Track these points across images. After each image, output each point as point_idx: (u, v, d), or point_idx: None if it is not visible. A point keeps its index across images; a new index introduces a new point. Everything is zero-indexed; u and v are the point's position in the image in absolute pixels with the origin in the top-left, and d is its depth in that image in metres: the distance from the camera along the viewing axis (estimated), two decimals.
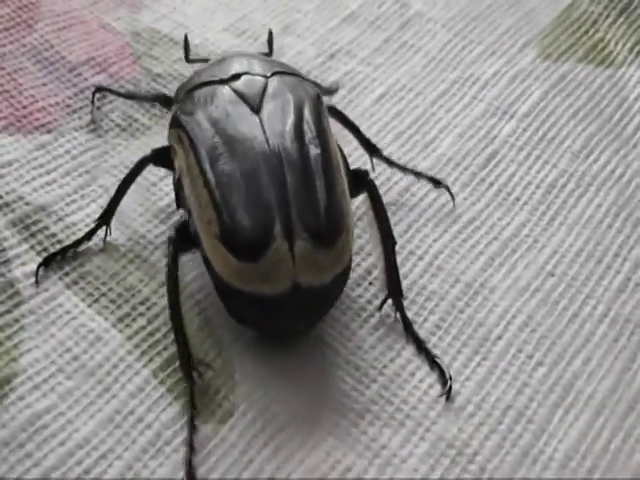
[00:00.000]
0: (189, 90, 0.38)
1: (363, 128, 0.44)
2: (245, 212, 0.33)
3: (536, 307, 0.39)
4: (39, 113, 0.45)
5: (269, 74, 0.38)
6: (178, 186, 0.37)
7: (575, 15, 0.54)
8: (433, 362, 0.37)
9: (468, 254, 0.41)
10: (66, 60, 0.48)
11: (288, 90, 0.37)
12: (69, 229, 0.41)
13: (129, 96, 0.45)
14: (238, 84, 0.38)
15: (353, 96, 0.47)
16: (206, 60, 0.43)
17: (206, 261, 0.35)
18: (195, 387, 0.35)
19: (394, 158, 0.45)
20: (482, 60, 0.50)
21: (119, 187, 0.39)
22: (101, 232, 0.40)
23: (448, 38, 0.51)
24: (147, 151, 0.40)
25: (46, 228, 0.41)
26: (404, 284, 0.39)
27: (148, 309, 0.38)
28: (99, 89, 0.46)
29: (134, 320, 0.38)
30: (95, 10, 0.52)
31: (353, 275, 0.39)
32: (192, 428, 0.34)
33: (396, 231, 0.40)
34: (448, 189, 0.43)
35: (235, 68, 0.39)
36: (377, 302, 0.39)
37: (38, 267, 0.39)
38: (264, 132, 0.36)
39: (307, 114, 0.37)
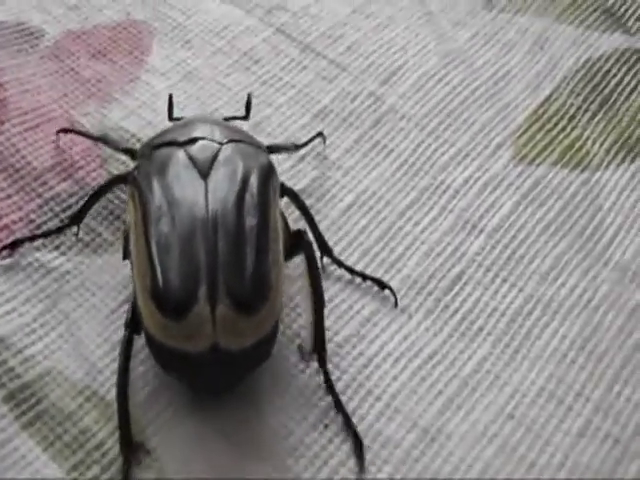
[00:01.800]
0: (150, 149, 0.40)
1: (330, 243, 0.45)
2: (175, 273, 0.36)
3: (493, 455, 0.39)
4: (1, 233, 0.44)
5: (224, 141, 0.40)
6: (126, 240, 0.39)
7: (553, 108, 0.53)
8: (348, 423, 0.39)
9: (427, 394, 0.40)
10: (32, 166, 0.47)
11: (239, 158, 0.39)
12: (28, 362, 0.40)
13: (98, 139, 0.47)
14: (193, 149, 0.40)
15: (321, 205, 0.47)
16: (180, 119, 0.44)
17: (140, 313, 0.37)
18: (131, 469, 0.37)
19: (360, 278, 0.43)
20: (455, 164, 0.49)
21: (91, 197, 0.44)
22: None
23: (421, 138, 0.50)
24: (109, 270, 0.42)
25: (4, 362, 0.41)
26: (360, 427, 0.40)
27: (103, 455, 0.38)
28: (65, 130, 0.48)
29: (88, 468, 0.38)
30: (64, 104, 0.51)
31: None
32: None
33: (355, 366, 0.41)
34: (392, 291, 0.44)
35: (194, 132, 0.41)
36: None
37: (7, 246, 0.44)
38: (206, 198, 0.38)
39: (253, 183, 0.38)
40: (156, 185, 0.38)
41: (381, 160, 0.49)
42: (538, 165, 0.50)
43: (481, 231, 0.46)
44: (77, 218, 0.44)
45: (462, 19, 0.57)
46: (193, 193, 0.38)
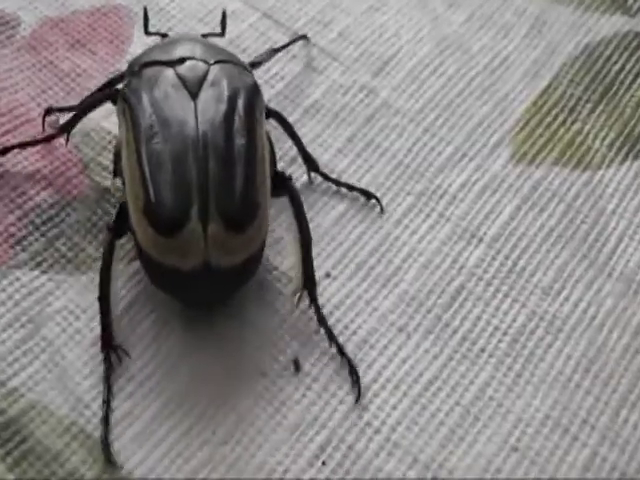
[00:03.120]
0: (139, 67, 0.41)
1: (322, 256, 0.43)
2: (167, 191, 0.37)
3: None
4: None
5: (212, 61, 0.41)
6: (117, 156, 0.40)
7: (552, 100, 0.50)
8: (342, 355, 0.40)
9: (427, 425, 0.38)
10: (10, 174, 0.44)
11: (227, 79, 0.40)
12: (11, 395, 0.38)
13: (82, 110, 0.45)
14: (182, 68, 0.40)
15: (312, 214, 0.44)
16: (164, 35, 0.46)
17: (132, 231, 0.38)
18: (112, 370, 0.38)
19: (355, 295, 0.42)
20: (452, 165, 0.46)
21: (81, 111, 0.45)
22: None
23: (416, 136, 0.47)
24: (94, 290, 0.39)
25: None
26: (359, 464, 0.38)
27: None
28: (50, 110, 0.46)
29: None
30: (43, 102, 0.48)
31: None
32: (108, 407, 0.38)
33: (353, 395, 0.39)
34: (378, 200, 0.45)
35: (182, 52, 0.41)
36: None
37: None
38: (196, 118, 0.38)
39: (240, 105, 0.39)
40: (147, 103, 0.39)
41: (375, 161, 0.46)
42: (538, 165, 0.47)
43: (480, 240, 0.43)
44: (65, 129, 0.44)
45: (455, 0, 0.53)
46: (183, 113, 0.38)
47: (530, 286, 0.43)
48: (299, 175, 0.46)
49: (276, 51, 0.48)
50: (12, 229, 0.43)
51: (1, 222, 0.43)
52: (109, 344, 0.39)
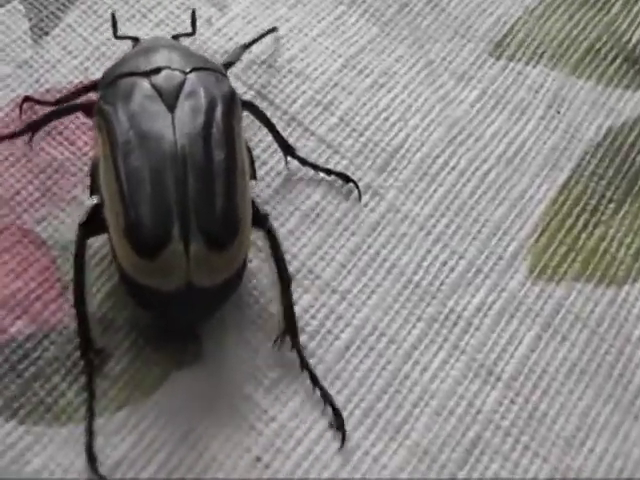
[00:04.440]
0: (113, 79, 0.39)
1: (331, 391, 0.39)
2: (147, 211, 0.35)
3: None
4: None
5: (188, 70, 0.39)
6: (94, 172, 0.38)
7: (573, 196, 0.45)
8: (326, 399, 0.38)
9: None
10: None
11: (203, 89, 0.39)
12: None
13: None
14: (157, 79, 0.39)
15: (314, 345, 0.40)
16: (135, 39, 0.44)
17: (112, 249, 0.37)
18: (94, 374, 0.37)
19: (362, 450, 0.39)
20: (465, 283, 0.41)
21: (51, 113, 0.43)
22: None
23: (426, 247, 0.42)
24: (75, 447, 0.37)
25: None
26: None
27: None
28: (27, 99, 0.45)
29: None
30: (17, 206, 0.44)
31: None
32: (91, 414, 0.37)
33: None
34: (356, 185, 0.44)
35: (157, 60, 0.40)
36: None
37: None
38: (174, 132, 0.37)
39: (218, 115, 0.38)
40: (123, 117, 0.37)
41: (381, 279, 0.41)
42: (559, 281, 0.42)
43: (498, 379, 0.39)
44: (32, 127, 0.43)
45: (467, 70, 0.48)
46: (161, 127, 0.37)
47: (552, 436, 0.38)
48: (297, 299, 0.40)
49: (246, 47, 0.46)
50: None
51: None
52: (90, 349, 0.38)
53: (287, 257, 0.41)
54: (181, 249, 0.36)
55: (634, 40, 0.51)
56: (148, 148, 0.37)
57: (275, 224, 0.42)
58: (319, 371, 0.39)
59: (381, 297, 0.41)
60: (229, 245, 0.36)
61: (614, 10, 0.52)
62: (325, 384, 0.39)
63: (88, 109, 0.41)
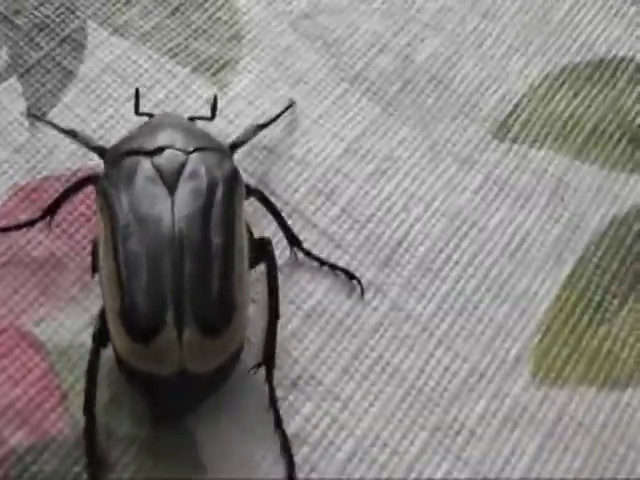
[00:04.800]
0: (117, 157, 0.39)
1: None
2: (142, 297, 0.35)
3: None
4: None
5: (191, 149, 0.39)
6: (95, 251, 0.39)
7: (577, 292, 0.44)
8: (284, 446, 0.39)
9: None
10: None
11: (205, 170, 0.39)
12: None
13: (68, 133, 0.44)
14: (159, 160, 0.39)
15: (316, 457, 0.40)
16: (152, 115, 0.44)
17: (109, 332, 0.37)
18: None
19: None
20: (468, 389, 0.42)
21: (63, 194, 0.43)
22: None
23: (429, 351, 0.43)
24: None
25: None
26: None
27: None
28: (32, 115, 0.47)
29: None
30: (15, 307, 0.43)
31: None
32: None
33: None
34: (359, 282, 0.44)
35: (160, 139, 0.40)
36: None
37: None
38: (173, 216, 0.37)
39: (218, 197, 0.38)
40: (124, 199, 0.38)
41: (384, 384, 0.41)
42: (562, 385, 0.41)
43: None
44: (50, 211, 0.43)
45: (470, 154, 0.47)
46: (160, 210, 0.37)
47: None
48: (298, 407, 0.39)
49: (261, 127, 0.45)
50: None
51: None
52: (96, 463, 0.38)
53: (289, 361, 0.40)
54: (174, 336, 0.36)
55: (639, 119, 0.49)
56: (147, 232, 0.37)
57: (277, 325, 0.42)
58: None
59: (383, 404, 0.41)
60: (224, 331, 0.36)
61: (619, 85, 0.51)
62: None
63: (97, 181, 0.40)
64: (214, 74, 0.49)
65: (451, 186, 0.47)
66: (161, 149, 0.39)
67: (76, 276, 0.42)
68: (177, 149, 0.40)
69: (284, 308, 0.43)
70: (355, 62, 0.51)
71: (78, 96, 0.48)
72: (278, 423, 0.40)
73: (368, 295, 0.43)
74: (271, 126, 0.47)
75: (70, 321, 0.41)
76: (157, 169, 0.39)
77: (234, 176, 0.39)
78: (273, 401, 0.40)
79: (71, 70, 0.49)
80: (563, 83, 0.51)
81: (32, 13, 0.50)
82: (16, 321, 0.41)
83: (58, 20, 0.50)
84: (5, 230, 0.44)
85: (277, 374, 0.41)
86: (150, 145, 0.40)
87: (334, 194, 0.46)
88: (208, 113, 0.48)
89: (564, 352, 0.43)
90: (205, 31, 0.51)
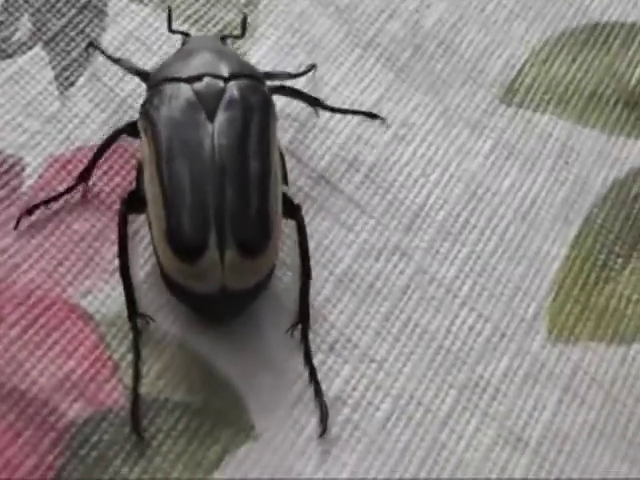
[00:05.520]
0: (158, 82, 0.41)
1: (372, 473, 0.41)
2: (187, 219, 0.38)
3: None
4: None
5: (229, 75, 0.41)
6: (139, 172, 0.41)
7: (584, 252, 0.48)
8: (317, 396, 0.41)
9: None
10: (38, 386, 0.40)
11: (242, 98, 0.40)
12: None
13: (116, 61, 0.47)
14: (199, 87, 0.40)
15: (357, 417, 0.41)
16: (187, 34, 0.46)
17: (154, 248, 0.40)
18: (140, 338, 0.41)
19: None
20: (492, 347, 0.45)
21: (96, 153, 0.44)
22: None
23: (454, 311, 0.46)
24: None
25: None
26: None
27: None
28: (91, 44, 0.48)
29: None
30: (60, 279, 0.44)
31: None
32: (137, 376, 0.41)
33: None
34: (381, 118, 0.48)
35: (199, 66, 0.41)
36: None
37: (20, 216, 0.44)
38: (213, 141, 0.39)
39: (255, 125, 0.40)
40: (167, 123, 0.39)
41: (414, 345, 0.43)
42: (575, 342, 0.44)
43: (526, 445, 0.42)
44: (85, 177, 0.44)
45: (480, 119, 0.49)
46: (201, 136, 0.39)
47: None
48: (338, 370, 0.41)
49: (292, 76, 0.47)
50: (49, 458, 0.38)
51: (36, 449, 0.38)
52: (135, 311, 0.41)
53: (325, 326, 0.42)
54: (217, 256, 0.38)
55: (633, 81, 0.52)
56: (189, 156, 0.38)
57: (312, 292, 0.44)
58: (363, 444, 0.40)
59: (415, 365, 0.43)
60: (261, 252, 0.39)
61: (613, 50, 0.53)
62: (369, 457, 0.40)
63: (131, 130, 0.42)
64: (233, 42, 0.49)
65: (464, 151, 0.49)
66: (200, 76, 0.41)
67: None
68: (215, 76, 0.41)
69: (317, 273, 0.44)
70: (367, 28, 0.52)
71: (104, 65, 0.48)
72: (313, 376, 0.42)
73: (394, 258, 0.45)
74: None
75: (116, 292, 0.42)
76: (197, 96, 0.40)
77: (269, 103, 0.41)
78: (308, 357, 0.42)
79: (95, 38, 0.49)
80: (562, 48, 0.53)
81: None
82: (63, 294, 0.42)
83: None
84: (46, 202, 0.44)
85: (315, 339, 0.42)
86: (190, 72, 0.41)
87: (357, 160, 0.47)
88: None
89: (576, 310, 0.45)
90: None
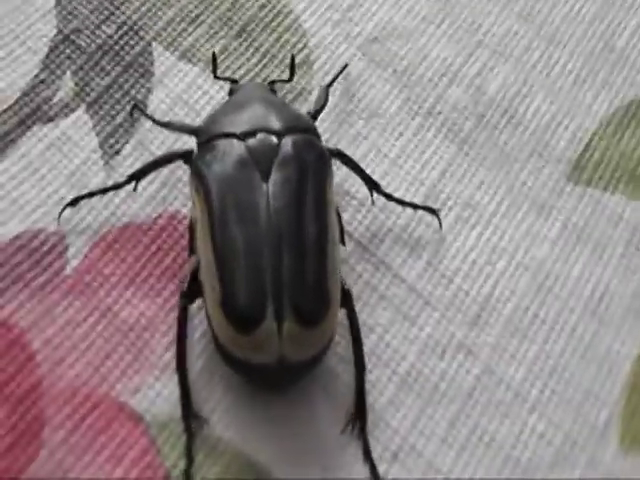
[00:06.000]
0: (210, 138, 0.39)
1: None
2: (242, 287, 0.35)
3: None
4: None
5: (283, 130, 0.38)
6: (191, 233, 0.39)
7: None
8: None
9: None
10: None
11: (297, 155, 0.38)
12: None
13: (164, 125, 0.43)
14: (253, 143, 0.38)
15: None
16: (235, 81, 0.44)
17: (208, 318, 0.37)
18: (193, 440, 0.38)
19: None
20: (563, 458, 0.40)
21: (150, 164, 0.42)
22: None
23: (523, 418, 0.42)
24: None
25: None
26: None
27: None
28: (136, 106, 0.45)
29: None
30: (107, 374, 0.41)
31: None
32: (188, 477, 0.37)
33: None
34: (438, 217, 0.45)
35: (253, 121, 0.39)
36: None
37: (64, 208, 0.42)
38: (268, 204, 0.37)
39: (311, 184, 0.38)
40: (220, 184, 0.37)
41: (481, 455, 0.41)
42: None
43: None
44: (135, 177, 0.42)
45: (547, 199, 0.46)
46: (256, 198, 0.37)
47: None
48: None
49: (329, 86, 0.46)
50: None
51: None
52: (190, 413, 0.38)
53: (388, 432, 0.39)
54: (275, 327, 0.36)
55: None
56: (243, 219, 0.36)
57: (374, 393, 0.42)
58: None
59: (483, 476, 0.39)
60: (321, 321, 0.36)
61: None
62: None
63: (188, 157, 0.40)
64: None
65: (531, 235, 0.45)
66: (254, 132, 0.38)
67: (168, 340, 0.40)
68: (269, 131, 0.38)
69: (379, 371, 0.41)
70: (428, 94, 0.48)
71: (151, 131, 0.44)
72: (375, 474, 0.39)
73: (459, 357, 0.42)
74: (350, 172, 0.45)
75: (168, 390, 0.39)
76: (251, 154, 0.38)
77: (324, 159, 0.39)
78: (368, 452, 0.40)
79: (141, 100, 0.45)
80: (632, 118, 0.50)
81: (94, 32, 0.46)
82: (111, 391, 0.39)
83: (122, 42, 0.46)
84: (91, 195, 0.42)
85: (377, 446, 0.39)
86: (242, 127, 0.39)
87: (419, 245, 0.44)
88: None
89: None
90: (274, 56, 0.48)
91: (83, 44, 0.47)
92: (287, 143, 0.38)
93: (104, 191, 0.42)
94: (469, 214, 0.46)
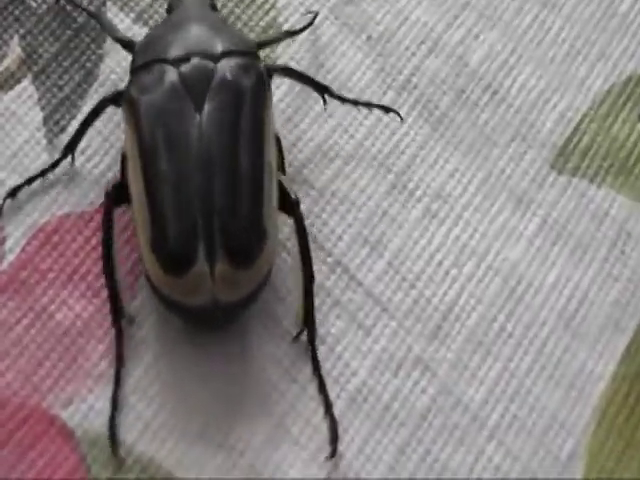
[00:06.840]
0: (143, 63, 0.36)
1: None
2: (173, 230, 0.34)
3: None
4: None
5: (219, 54, 0.36)
6: (124, 164, 0.36)
7: (632, 370, 0.39)
8: (327, 408, 0.37)
9: None
10: None
11: (233, 81, 0.35)
12: None
13: (94, 16, 0.40)
14: (187, 70, 0.35)
15: None
16: None
17: (140, 258, 0.35)
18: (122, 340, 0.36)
19: None
20: None
21: (82, 123, 0.38)
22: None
23: (480, 445, 0.39)
24: None
25: None
26: None
27: None
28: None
29: None
30: (39, 383, 0.37)
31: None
32: (117, 382, 0.36)
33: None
34: (397, 113, 0.41)
35: (187, 44, 0.36)
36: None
37: (4, 200, 0.38)
38: (201, 137, 0.34)
39: (246, 112, 0.35)
40: (152, 113, 0.35)
41: None
42: None
43: None
44: (70, 148, 0.39)
45: (526, 190, 0.42)
46: (188, 129, 0.34)
47: None
48: None
49: (290, 34, 0.41)
50: None
51: None
52: (120, 315, 0.36)
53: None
54: (207, 269, 0.34)
55: None
56: (174, 154, 0.34)
57: (319, 412, 0.38)
58: None
59: None
60: (255, 260, 0.34)
61: None
62: None
63: (117, 100, 0.37)
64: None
65: (505, 233, 0.40)
66: (188, 57, 0.35)
67: (105, 346, 0.36)
68: (204, 56, 0.36)
69: (327, 388, 0.36)
70: (404, 65, 0.42)
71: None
72: (322, 388, 0.37)
73: (415, 374, 0.37)
74: (314, 148, 0.42)
75: (100, 403, 0.35)
76: (184, 81, 0.35)
77: (262, 83, 0.36)
78: (316, 366, 0.38)
79: (91, 70, 0.39)
80: (628, 98, 0.44)
81: None
82: (42, 402, 0.35)
83: (75, 2, 0.40)
84: (30, 181, 0.39)
85: (320, 473, 0.35)
86: (175, 51, 0.36)
87: (380, 244, 0.39)
88: None
89: (618, 447, 0.38)
90: (238, 17, 0.42)
91: (33, 4, 0.41)
92: (223, 68, 0.36)
93: (43, 173, 0.39)
94: (438, 207, 0.41)
